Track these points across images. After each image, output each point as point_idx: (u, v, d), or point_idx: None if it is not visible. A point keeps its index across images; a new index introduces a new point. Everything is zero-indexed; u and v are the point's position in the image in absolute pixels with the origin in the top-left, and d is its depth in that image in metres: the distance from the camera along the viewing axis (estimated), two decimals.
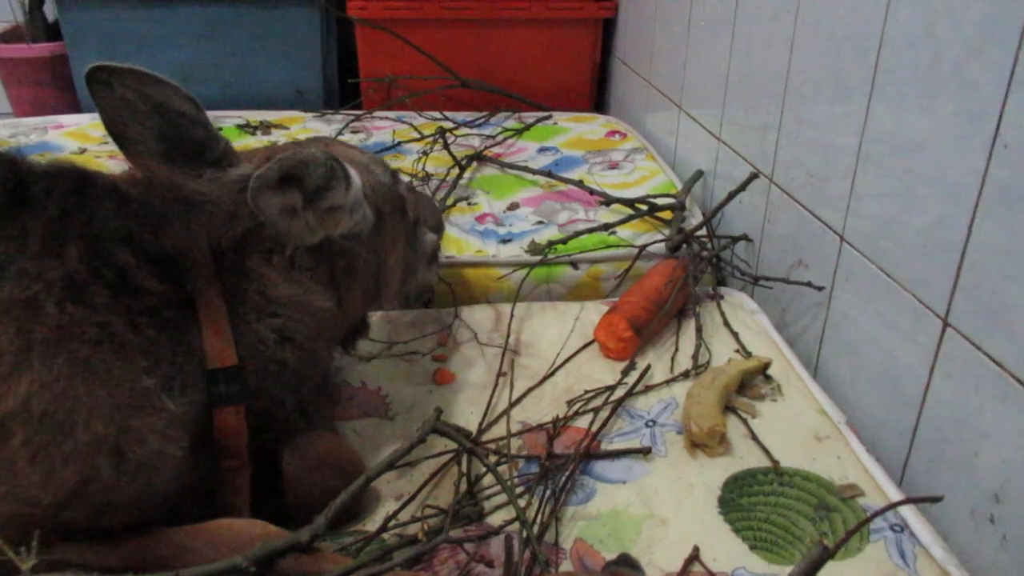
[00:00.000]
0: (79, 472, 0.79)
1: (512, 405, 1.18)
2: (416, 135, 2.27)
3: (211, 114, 2.75)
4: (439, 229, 1.39)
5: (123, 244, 0.85)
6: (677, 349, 1.32)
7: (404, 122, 2.42)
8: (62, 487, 0.78)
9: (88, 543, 0.81)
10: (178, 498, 0.87)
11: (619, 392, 1.20)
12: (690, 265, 1.43)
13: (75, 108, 2.69)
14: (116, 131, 0.99)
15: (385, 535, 0.93)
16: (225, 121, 2.41)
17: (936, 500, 0.86)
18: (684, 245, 1.55)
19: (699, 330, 1.35)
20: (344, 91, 2.79)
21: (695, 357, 1.28)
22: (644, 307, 1.34)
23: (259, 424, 0.94)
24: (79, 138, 2.23)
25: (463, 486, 1.01)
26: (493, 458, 1.05)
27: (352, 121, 2.44)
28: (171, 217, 0.89)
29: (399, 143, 2.22)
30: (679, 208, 1.68)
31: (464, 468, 1.04)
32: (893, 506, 0.89)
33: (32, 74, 2.78)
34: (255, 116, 2.46)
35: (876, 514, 0.83)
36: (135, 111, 0.98)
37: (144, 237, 0.86)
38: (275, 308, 0.94)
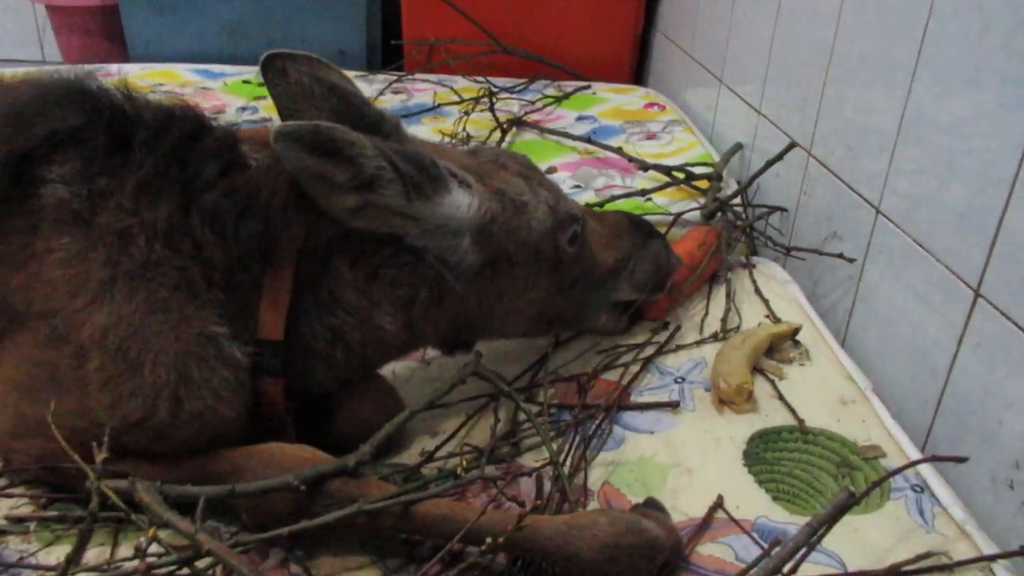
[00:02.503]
0: (141, 408, 0.84)
1: (546, 356, 1.21)
2: (456, 98, 2.30)
3: (256, 69, 2.76)
4: (645, 290, 1.22)
5: (208, 220, 0.87)
6: (707, 313, 1.35)
7: (445, 85, 2.44)
8: (125, 417, 0.84)
9: (147, 461, 0.86)
10: (233, 442, 0.91)
11: (649, 350, 1.23)
12: (724, 232, 1.45)
13: (124, 58, 2.74)
14: (291, 117, 1.03)
15: (423, 469, 0.97)
16: None
17: (961, 460, 0.89)
18: (719, 213, 1.57)
19: (730, 295, 1.37)
20: (387, 52, 2.81)
21: (724, 320, 1.31)
22: (680, 273, 1.36)
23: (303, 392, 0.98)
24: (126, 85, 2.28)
25: (500, 428, 1.05)
26: (528, 405, 1.09)
27: (394, 82, 2.47)
28: (270, 199, 0.88)
29: (439, 105, 2.25)
30: (716, 178, 1.70)
31: (502, 414, 1.07)
32: (918, 462, 0.92)
33: (82, 23, 2.84)
34: None
35: (901, 468, 0.87)
36: (311, 94, 1.03)
37: (227, 219, 0.87)
38: (337, 309, 0.94)
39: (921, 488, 0.97)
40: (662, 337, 1.27)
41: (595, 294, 1.17)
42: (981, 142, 1.03)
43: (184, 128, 0.89)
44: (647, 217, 1.58)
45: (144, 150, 0.87)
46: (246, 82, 2.41)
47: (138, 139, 0.87)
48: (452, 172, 0.95)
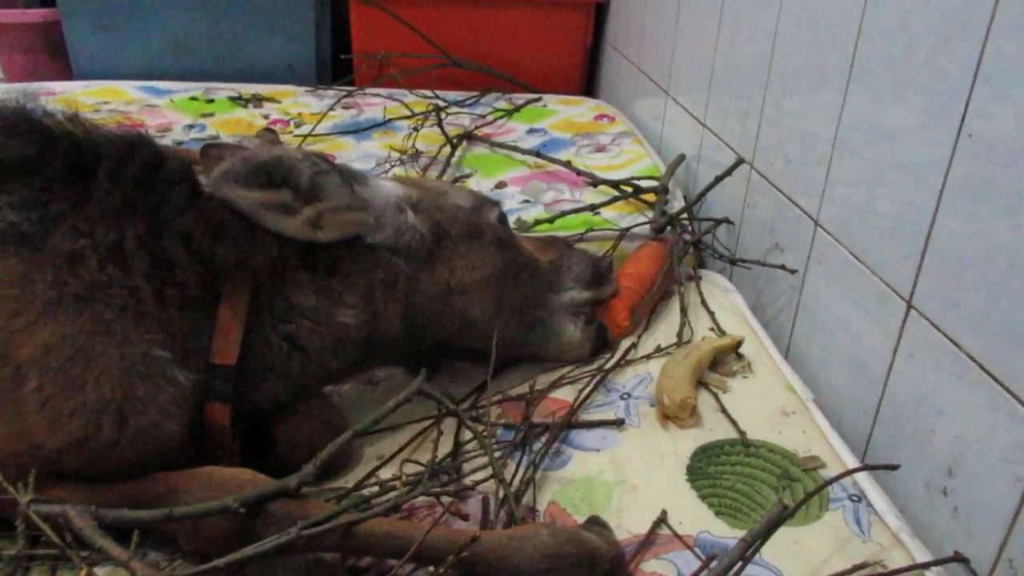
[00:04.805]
0: (83, 427, 0.84)
1: (493, 375, 1.21)
2: (407, 113, 2.30)
3: (203, 86, 2.73)
4: (593, 285, 1.28)
5: (182, 243, 0.89)
6: (646, 328, 1.37)
7: (395, 99, 2.44)
8: (66, 437, 0.83)
9: (85, 483, 0.85)
10: (173, 464, 0.90)
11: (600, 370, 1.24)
12: (676, 249, 1.47)
13: (67, 75, 2.69)
14: None
15: (365, 490, 0.97)
16: (217, 93, 2.43)
17: (893, 468, 0.91)
18: (668, 227, 1.58)
19: (684, 309, 1.39)
20: (337, 67, 2.80)
21: (680, 334, 1.33)
22: (640, 294, 1.37)
23: (251, 411, 0.99)
24: (71, 105, 2.24)
25: (444, 446, 1.05)
26: (475, 425, 1.09)
27: (344, 97, 2.46)
28: (238, 221, 0.91)
29: (389, 120, 2.25)
30: (662, 191, 1.72)
31: (446, 431, 1.07)
32: (851, 472, 0.94)
33: (24, 40, 2.78)
34: (247, 89, 2.48)
35: (835, 479, 0.89)
36: None
37: (203, 242, 0.90)
38: (292, 315, 0.97)
39: (859, 498, 0.99)
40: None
41: (547, 294, 1.22)
42: (909, 155, 1.06)
43: (145, 156, 0.92)
44: (597, 232, 1.61)
45: (108, 179, 0.88)
46: (193, 99, 2.38)
47: (101, 168, 0.89)
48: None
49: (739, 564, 0.78)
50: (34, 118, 0.92)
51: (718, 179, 1.63)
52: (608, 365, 1.25)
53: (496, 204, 1.18)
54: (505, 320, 1.15)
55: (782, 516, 0.79)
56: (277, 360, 0.97)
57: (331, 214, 0.96)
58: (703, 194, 1.69)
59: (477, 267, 1.10)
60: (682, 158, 1.88)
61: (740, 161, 1.58)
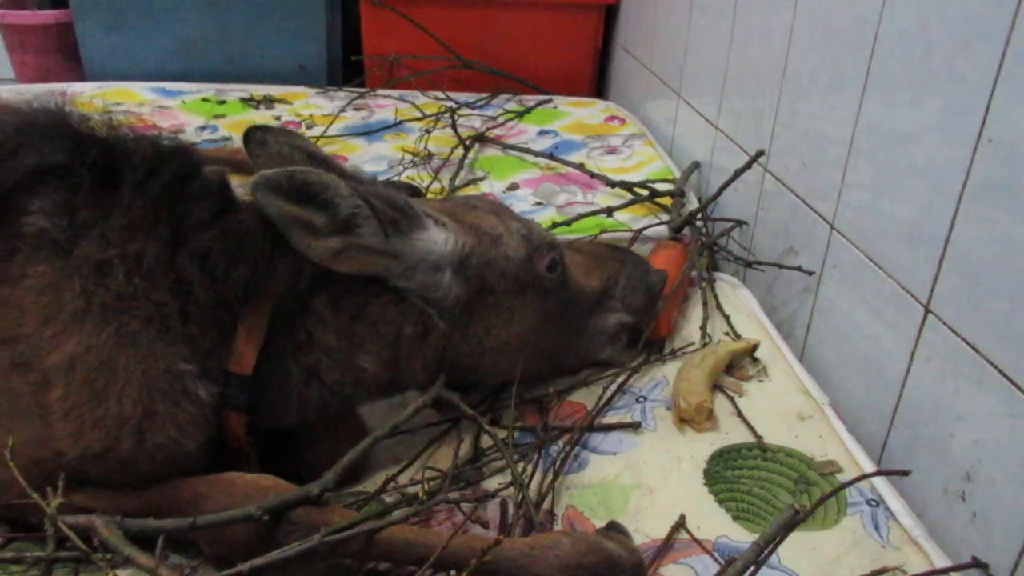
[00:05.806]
0: (104, 439, 0.84)
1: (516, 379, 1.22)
2: (418, 114, 2.30)
3: (215, 87, 2.74)
4: (639, 311, 1.23)
5: (197, 262, 0.89)
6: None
7: (406, 101, 2.44)
8: (87, 448, 0.84)
9: (107, 490, 0.86)
10: (194, 473, 0.91)
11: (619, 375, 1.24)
12: (694, 252, 1.47)
13: (79, 76, 2.70)
14: None
15: (385, 496, 0.97)
16: (229, 94, 2.43)
17: (904, 473, 0.91)
18: (687, 228, 1.58)
19: (718, 305, 1.40)
20: (348, 68, 2.81)
21: (703, 328, 1.33)
22: (675, 300, 1.37)
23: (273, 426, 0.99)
24: (83, 107, 2.25)
25: (464, 452, 1.05)
26: (493, 428, 1.09)
27: (355, 98, 2.46)
28: (258, 243, 0.91)
29: (401, 122, 2.25)
30: (678, 195, 1.72)
31: (464, 435, 1.08)
32: (863, 477, 0.94)
33: (36, 41, 2.79)
34: (259, 90, 2.49)
35: (847, 484, 0.89)
36: (291, 162, 1.08)
37: (219, 263, 0.89)
38: (313, 349, 0.96)
39: (876, 502, 0.99)
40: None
41: (590, 321, 1.19)
42: (927, 159, 1.06)
43: (175, 168, 0.91)
44: (610, 234, 1.61)
45: (134, 189, 0.88)
46: (205, 100, 2.39)
47: (128, 178, 0.89)
48: (426, 212, 0.99)
49: (752, 568, 0.78)
50: (68, 123, 0.92)
51: (737, 173, 1.60)
52: (625, 374, 1.24)
53: (552, 248, 1.10)
54: (535, 357, 1.12)
55: (794, 520, 0.79)
56: (296, 386, 0.97)
57: (356, 251, 0.94)
58: (723, 188, 1.67)
59: (515, 323, 1.07)
60: (696, 166, 1.88)
61: (760, 153, 1.56)
